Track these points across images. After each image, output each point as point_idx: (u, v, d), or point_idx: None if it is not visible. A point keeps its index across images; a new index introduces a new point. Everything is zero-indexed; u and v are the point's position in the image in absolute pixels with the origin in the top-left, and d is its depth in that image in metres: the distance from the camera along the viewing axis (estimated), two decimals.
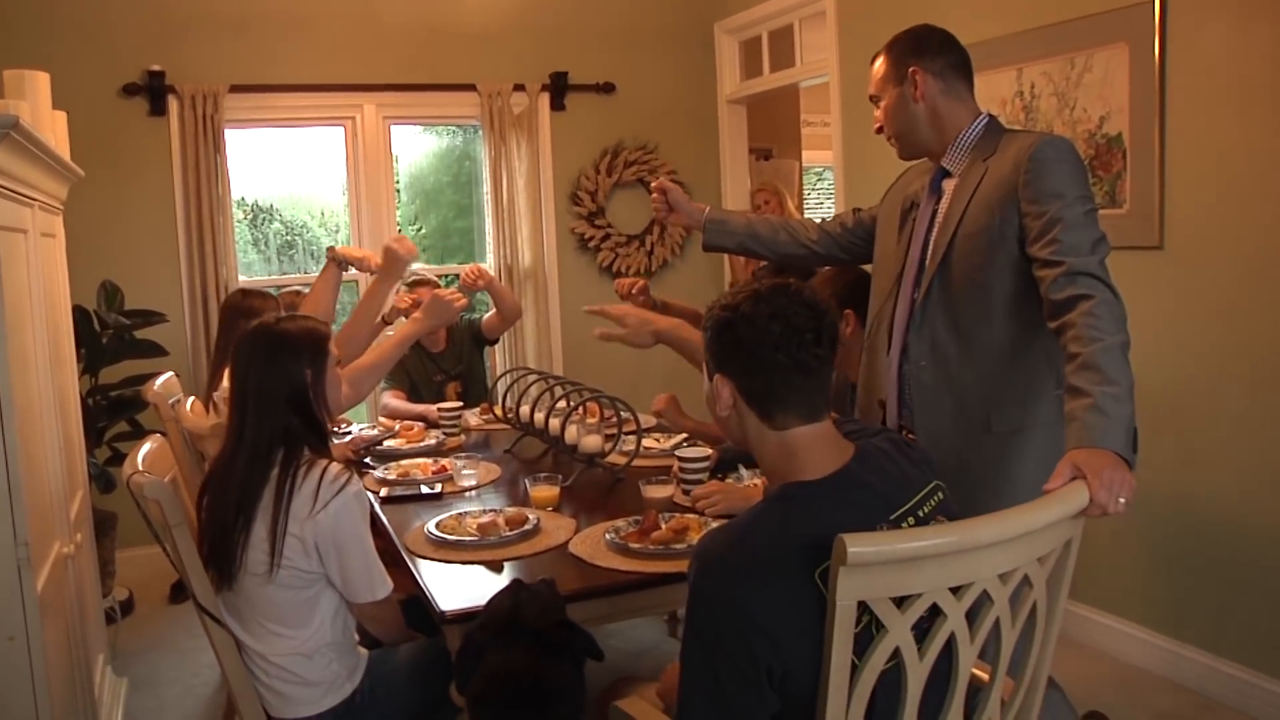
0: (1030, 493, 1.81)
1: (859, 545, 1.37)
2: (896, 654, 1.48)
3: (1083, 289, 2.04)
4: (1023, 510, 1.56)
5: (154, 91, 5.06)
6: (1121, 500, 1.72)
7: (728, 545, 1.56)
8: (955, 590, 1.49)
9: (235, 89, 5.17)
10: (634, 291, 3.79)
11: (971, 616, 1.53)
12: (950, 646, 1.52)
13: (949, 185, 2.40)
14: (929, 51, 2.39)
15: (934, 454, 2.11)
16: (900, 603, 1.45)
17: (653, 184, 2.87)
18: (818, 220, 2.87)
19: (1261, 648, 3.29)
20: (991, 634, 1.58)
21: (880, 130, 2.51)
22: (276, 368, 2.33)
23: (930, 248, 2.40)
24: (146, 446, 2.52)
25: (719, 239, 2.87)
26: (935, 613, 1.49)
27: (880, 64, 2.46)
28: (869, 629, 1.47)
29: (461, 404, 4.20)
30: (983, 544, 1.48)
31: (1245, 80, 3.20)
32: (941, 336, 2.35)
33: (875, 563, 1.39)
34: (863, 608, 1.44)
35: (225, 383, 3.44)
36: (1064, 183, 2.17)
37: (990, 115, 2.42)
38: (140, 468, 2.34)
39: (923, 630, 1.50)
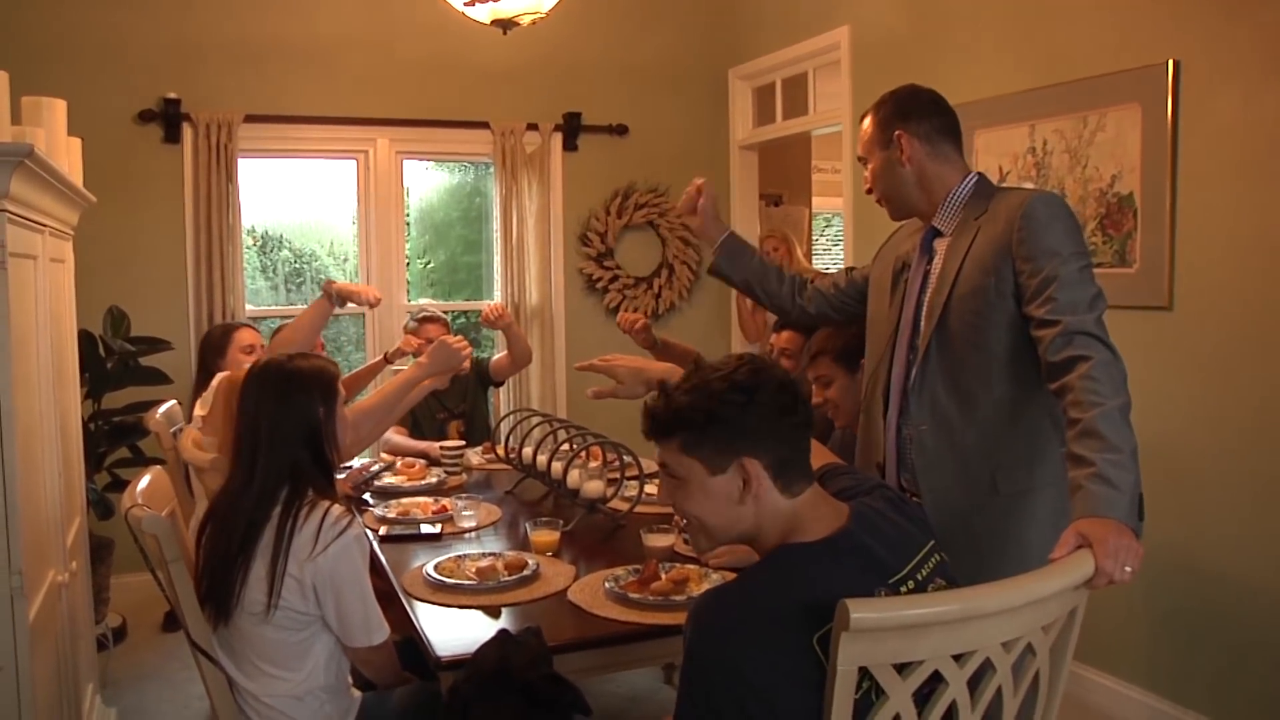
0: (1040, 555, 1.81)
1: (862, 611, 1.35)
2: None
3: (1080, 349, 2.02)
4: (1028, 579, 1.55)
5: (169, 119, 5.09)
6: (1128, 569, 1.70)
7: (724, 607, 1.56)
8: (958, 657, 1.47)
9: (250, 119, 5.19)
10: (635, 329, 3.78)
11: (974, 683, 1.51)
12: (951, 714, 1.50)
13: (940, 245, 2.38)
14: (914, 115, 2.37)
15: (939, 516, 2.12)
16: (902, 669, 1.44)
17: (697, 181, 2.83)
18: (817, 276, 2.87)
19: (1266, 713, 3.25)
20: (994, 702, 1.56)
21: (870, 191, 2.51)
22: (290, 406, 2.34)
23: (925, 309, 2.37)
24: (146, 479, 2.51)
25: (728, 268, 2.85)
26: (936, 679, 1.47)
27: (867, 126, 2.45)
28: (869, 695, 1.45)
29: (464, 442, 4.19)
30: (987, 612, 1.47)
31: (1256, 144, 3.20)
32: (942, 399, 2.31)
33: (878, 629, 1.38)
34: (863, 673, 1.42)
35: (199, 410, 3.45)
36: (1058, 239, 2.15)
37: (979, 174, 2.40)
38: (139, 500, 2.33)
39: (923, 696, 1.48)
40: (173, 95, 5.07)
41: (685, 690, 1.53)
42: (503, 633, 2.03)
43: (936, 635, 1.44)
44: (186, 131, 5.13)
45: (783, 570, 1.59)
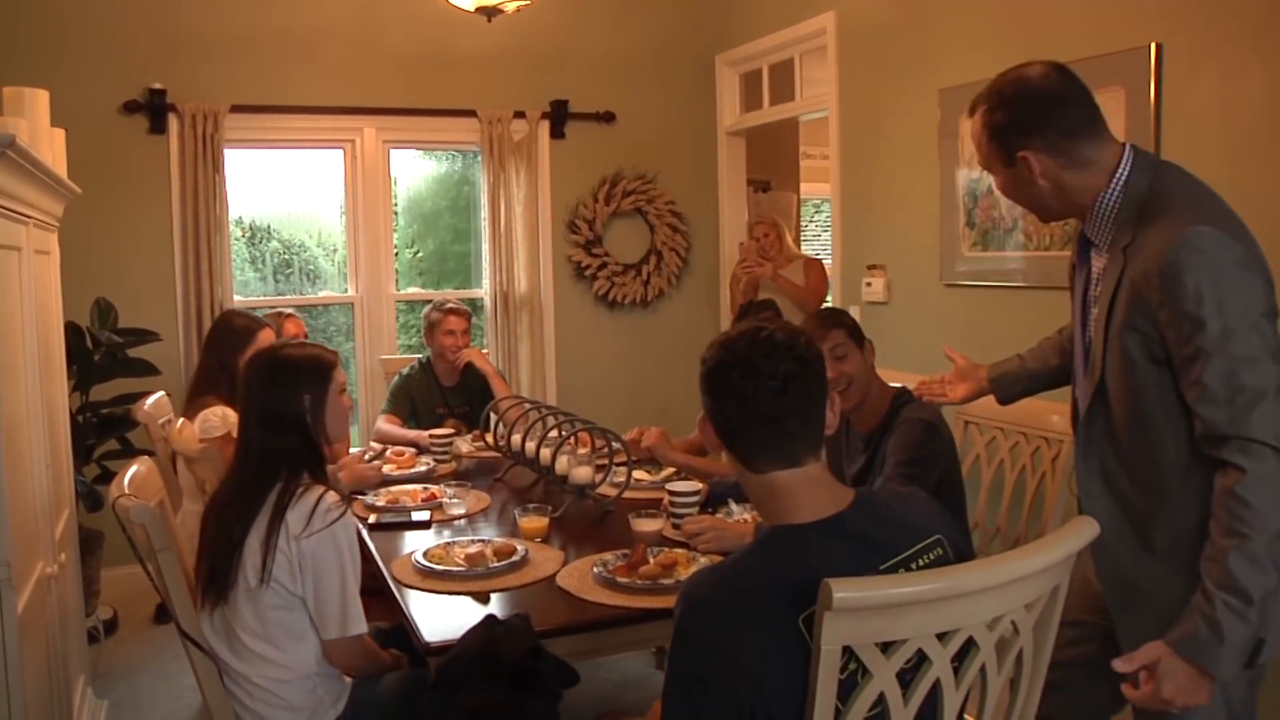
0: None
1: (845, 590, 1.36)
2: (881, 700, 1.47)
3: (1229, 455, 1.75)
4: (1010, 556, 1.56)
5: (154, 109, 5.06)
6: (1172, 704, 1.73)
7: (712, 586, 1.57)
8: (942, 636, 1.48)
9: (236, 109, 5.17)
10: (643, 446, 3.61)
11: (957, 661, 1.52)
12: (935, 693, 1.51)
13: (1097, 262, 2.03)
14: (1036, 127, 1.94)
15: (1107, 573, 2.00)
16: (886, 648, 1.45)
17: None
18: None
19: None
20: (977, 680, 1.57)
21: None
22: (277, 391, 2.38)
23: (1091, 346, 2.04)
24: (134, 469, 2.51)
25: (1007, 389, 2.53)
26: (921, 659, 1.48)
27: (979, 135, 2.04)
28: (854, 675, 1.46)
29: (454, 431, 4.19)
30: (970, 590, 1.47)
31: (1238, 125, 3.21)
32: (1109, 454, 2.02)
33: (861, 608, 1.39)
34: (848, 653, 1.43)
35: (217, 405, 3.46)
36: (1204, 304, 1.75)
37: (1129, 170, 1.94)
38: (127, 490, 2.33)
39: (908, 676, 1.49)
40: (158, 86, 5.04)
41: (673, 668, 1.54)
42: (490, 618, 2.05)
43: (919, 614, 1.44)
44: (172, 122, 5.11)
45: (771, 551, 1.60)
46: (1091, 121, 1.96)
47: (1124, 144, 1.97)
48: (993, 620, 1.53)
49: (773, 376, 1.60)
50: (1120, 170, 1.94)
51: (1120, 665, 1.78)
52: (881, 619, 1.42)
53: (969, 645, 1.52)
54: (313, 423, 2.39)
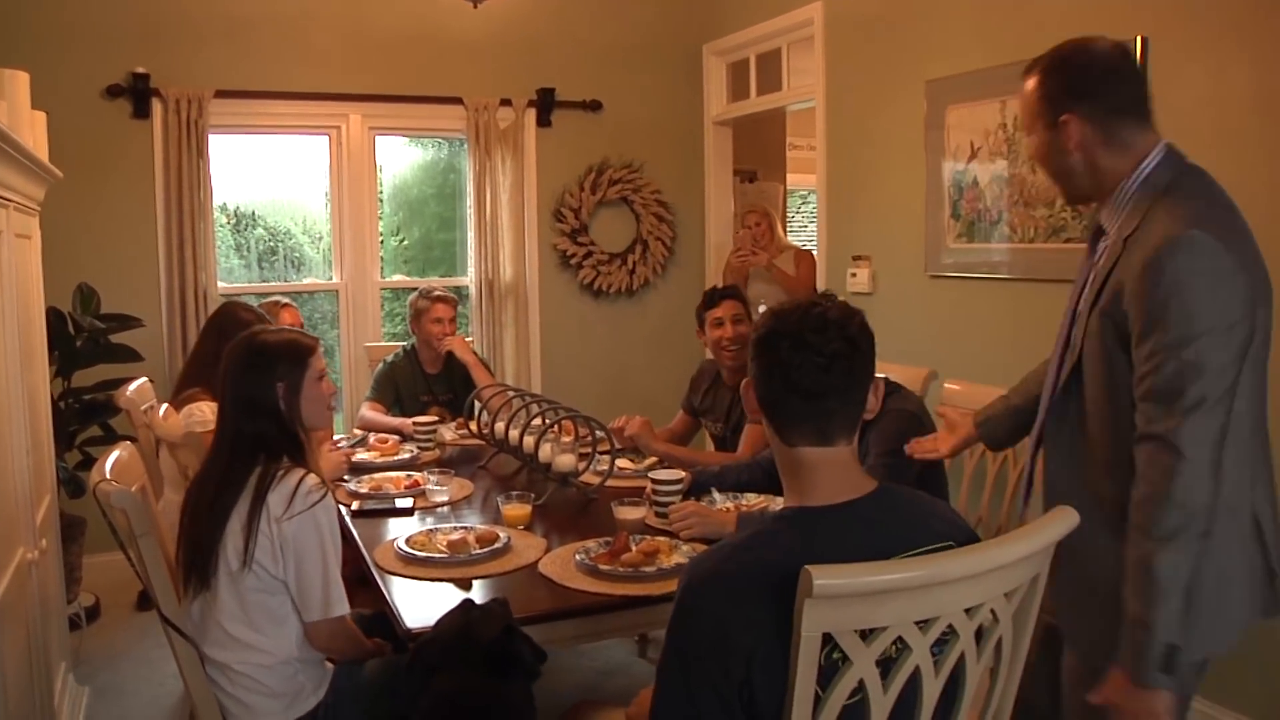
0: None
1: (825, 577, 1.36)
2: (861, 687, 1.47)
3: (1153, 452, 1.81)
4: (990, 545, 1.56)
5: (138, 94, 5.03)
6: None
7: (718, 561, 1.57)
8: (921, 624, 1.49)
9: (220, 94, 5.14)
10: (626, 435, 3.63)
11: (937, 650, 1.53)
12: (915, 680, 1.52)
13: (1101, 250, 2.03)
14: (1089, 94, 1.96)
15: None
16: (866, 635, 1.45)
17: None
18: None
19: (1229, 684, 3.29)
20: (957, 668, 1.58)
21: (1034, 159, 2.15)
22: (252, 377, 2.38)
23: (1074, 328, 2.05)
24: (115, 454, 2.50)
25: (993, 432, 2.52)
26: (901, 646, 1.49)
27: (1031, 91, 2.03)
28: (835, 662, 1.47)
29: (437, 419, 4.19)
30: (950, 579, 1.48)
31: (1223, 119, 3.23)
32: (1074, 436, 2.05)
33: (841, 595, 1.39)
34: (829, 640, 1.43)
35: (205, 400, 3.44)
36: (1172, 306, 1.79)
37: (1159, 157, 1.95)
38: (108, 476, 2.32)
39: (888, 664, 1.50)
40: (141, 70, 5.00)
41: (670, 641, 1.55)
42: (466, 602, 2.05)
43: (900, 601, 1.45)
44: (156, 107, 5.07)
45: (779, 533, 1.61)
46: (1139, 106, 1.98)
47: (1161, 140, 1.98)
48: (972, 608, 1.54)
49: (820, 352, 1.61)
50: (1148, 161, 1.94)
51: (1093, 698, 1.86)
52: (862, 606, 1.43)
53: (948, 633, 1.53)
54: (288, 409, 2.38)
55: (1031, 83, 2.03)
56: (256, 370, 2.38)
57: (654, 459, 3.55)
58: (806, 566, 1.37)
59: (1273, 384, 1.99)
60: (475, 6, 4.01)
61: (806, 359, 1.61)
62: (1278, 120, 3.13)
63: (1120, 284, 1.88)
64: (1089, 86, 1.96)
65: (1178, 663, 1.80)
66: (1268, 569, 1.94)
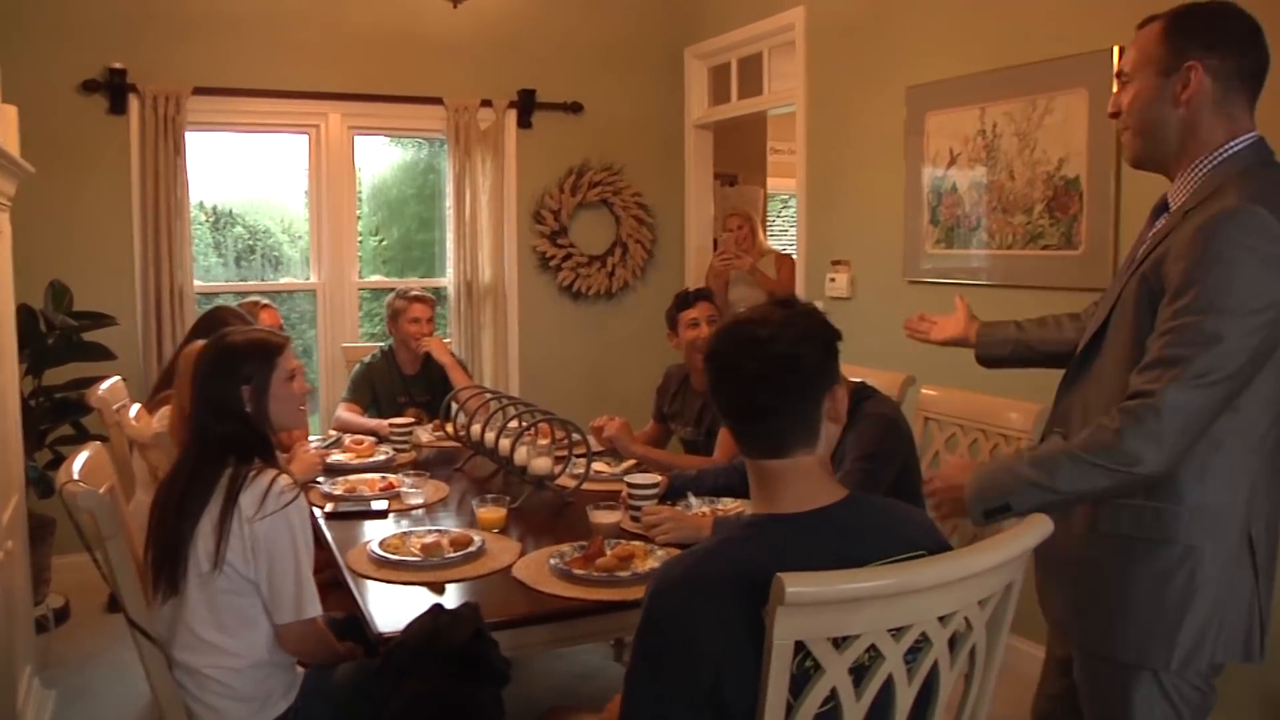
0: (1144, 614, 1.88)
1: (797, 585, 1.35)
2: (834, 695, 1.46)
3: (1135, 404, 1.78)
4: (964, 553, 1.56)
5: (114, 89, 4.98)
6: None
7: (687, 568, 1.56)
8: (894, 632, 1.48)
9: (199, 91, 5.10)
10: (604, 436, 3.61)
11: (910, 657, 1.52)
12: (888, 688, 1.51)
13: (1159, 223, 1.96)
14: (1223, 46, 1.85)
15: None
16: (838, 643, 1.44)
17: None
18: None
19: None
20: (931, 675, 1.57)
21: (1115, 115, 2.01)
22: (217, 379, 2.36)
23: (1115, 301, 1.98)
24: (84, 455, 2.46)
25: (989, 348, 2.48)
26: (874, 654, 1.48)
27: (1154, 34, 1.91)
28: (808, 670, 1.46)
29: (414, 420, 4.16)
30: (923, 586, 1.47)
31: None
32: (1076, 410, 2.03)
33: (813, 603, 1.38)
34: (801, 648, 1.42)
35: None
36: (1210, 274, 1.74)
37: (1244, 145, 1.88)
38: (76, 476, 2.29)
39: (861, 671, 1.49)
40: (118, 65, 4.96)
41: (639, 646, 1.54)
42: (436, 606, 2.04)
43: (872, 609, 1.44)
44: (133, 103, 5.03)
45: (747, 540, 1.59)
46: (1258, 82, 1.90)
47: (1255, 130, 1.90)
48: (945, 616, 1.53)
49: (749, 375, 1.59)
50: (1236, 141, 1.87)
51: (927, 487, 2.02)
52: (834, 614, 1.42)
53: (922, 641, 1.52)
54: (256, 411, 2.36)
55: (1156, 26, 1.91)
56: (222, 372, 2.37)
57: (631, 462, 3.53)
58: (779, 574, 1.36)
59: None
60: (455, 6, 3.99)
61: (735, 381, 1.61)
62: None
63: (1166, 250, 1.83)
64: (1227, 39, 1.86)
65: (998, 520, 1.89)
66: (1256, 603, 1.89)
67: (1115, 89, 2.00)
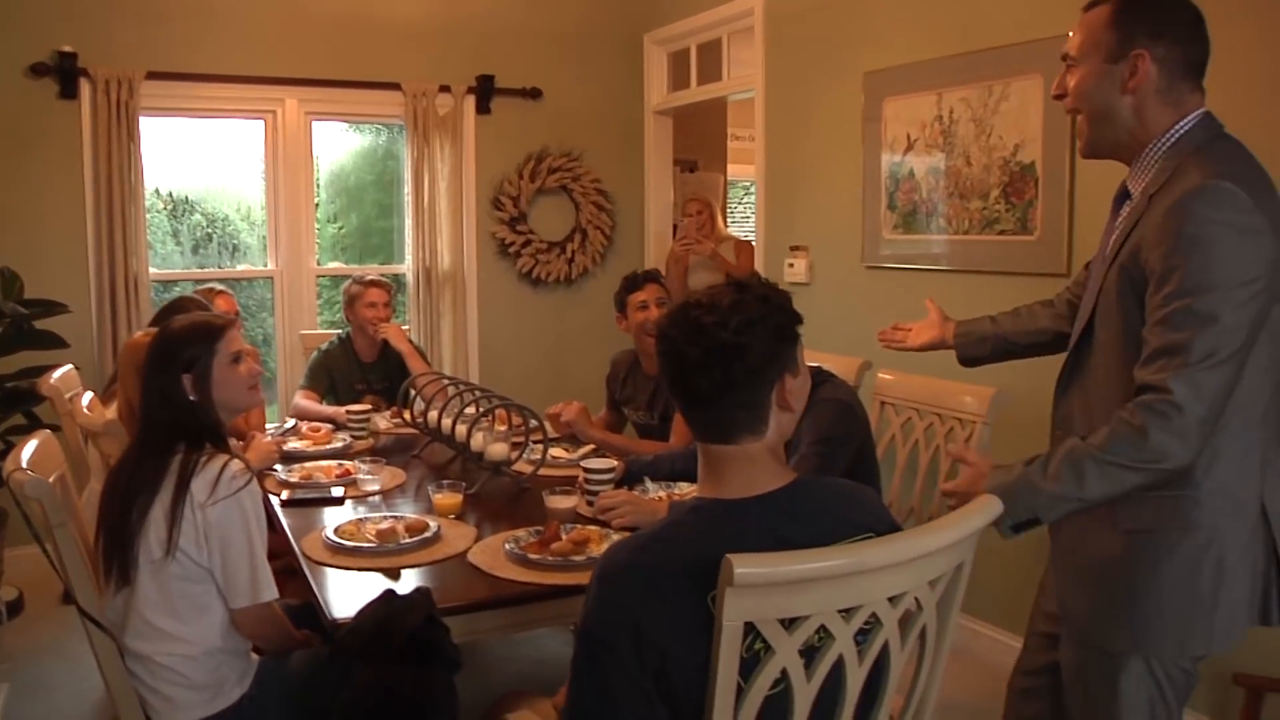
0: (1177, 599, 1.86)
1: (746, 566, 1.36)
2: (784, 676, 1.47)
3: (1149, 397, 1.77)
4: (913, 534, 1.57)
5: (64, 73, 4.90)
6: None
7: (631, 552, 1.56)
8: (844, 613, 1.48)
9: (152, 75, 5.02)
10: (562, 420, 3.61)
11: (860, 638, 1.53)
12: (839, 670, 1.51)
13: (1124, 211, 1.97)
14: (1169, 36, 1.88)
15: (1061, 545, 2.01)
16: (788, 625, 1.45)
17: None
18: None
19: None
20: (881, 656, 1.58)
21: (1060, 98, 2.03)
22: (159, 368, 2.35)
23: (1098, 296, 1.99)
24: (32, 443, 2.43)
25: (968, 348, 2.50)
26: (824, 635, 1.49)
27: (1101, 19, 1.93)
28: (757, 653, 1.46)
29: (371, 407, 4.14)
30: (873, 567, 1.48)
31: None
32: (1076, 409, 2.04)
33: (762, 584, 1.39)
34: (751, 631, 1.43)
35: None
36: (1192, 254, 1.75)
37: (1197, 119, 1.90)
38: (24, 465, 2.26)
39: (812, 652, 1.49)
40: (68, 49, 4.88)
41: (582, 631, 1.54)
42: (388, 592, 2.03)
43: (822, 590, 1.44)
44: (84, 87, 4.95)
45: (689, 524, 1.59)
46: (1203, 67, 1.92)
47: (1204, 107, 1.93)
48: (895, 597, 1.54)
49: (693, 361, 1.57)
50: (1185, 122, 1.89)
51: (945, 488, 1.96)
52: (783, 595, 1.42)
53: (872, 622, 1.53)
54: (200, 396, 2.34)
55: (1103, 11, 1.93)
56: (163, 361, 2.35)
57: (589, 448, 3.53)
58: (728, 555, 1.36)
59: None
60: None
61: (681, 366, 1.59)
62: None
63: (1140, 238, 1.84)
64: (1174, 31, 1.89)
65: (1024, 530, 1.87)
66: (1273, 571, 1.91)
67: (1065, 77, 2.01)
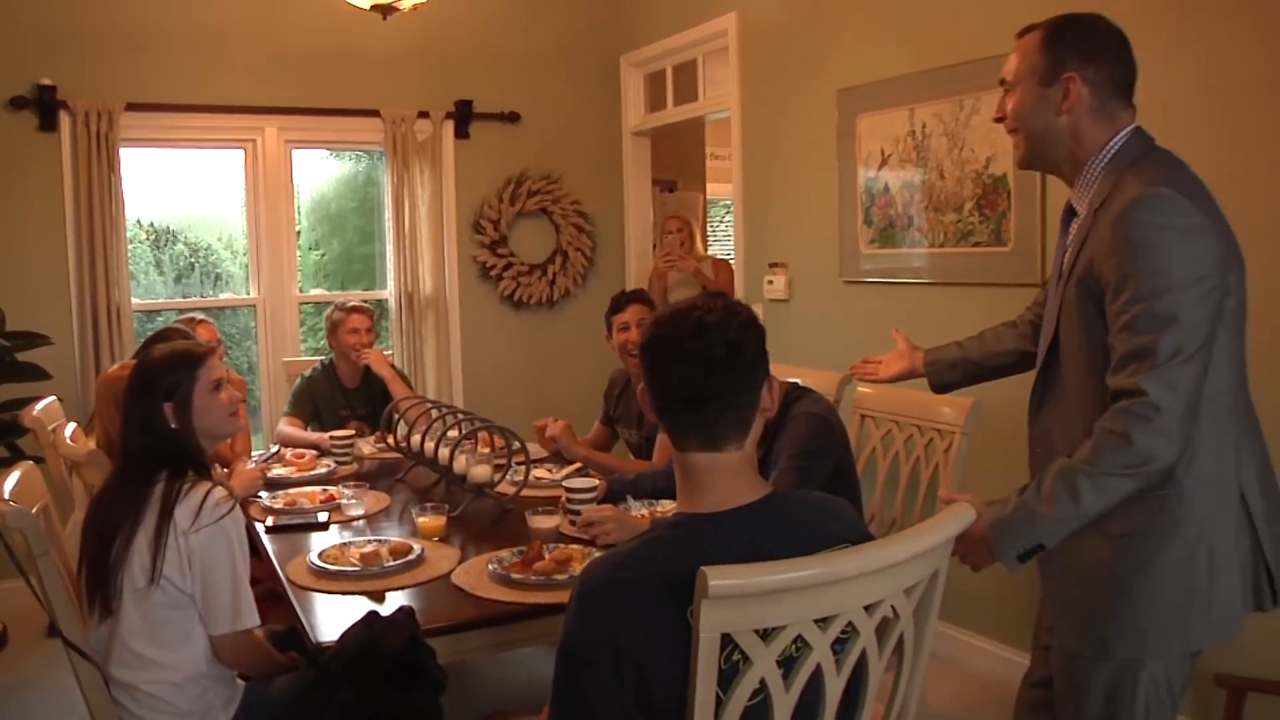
0: (1164, 601, 1.90)
1: (720, 578, 1.37)
2: (763, 687, 1.48)
3: (1124, 404, 1.82)
4: (887, 542, 1.58)
5: (44, 106, 4.91)
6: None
7: (610, 568, 1.57)
8: (821, 622, 1.50)
9: (132, 107, 5.04)
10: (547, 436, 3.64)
11: (838, 647, 1.54)
12: (817, 679, 1.53)
13: (1073, 229, 2.05)
14: (1099, 59, 1.98)
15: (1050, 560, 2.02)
16: (765, 636, 1.46)
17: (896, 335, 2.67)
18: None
19: None
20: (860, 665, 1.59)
21: (1000, 120, 2.14)
22: (140, 399, 2.37)
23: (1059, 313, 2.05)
24: (14, 475, 2.44)
25: (939, 374, 2.57)
26: (801, 644, 1.50)
27: (1034, 45, 2.02)
28: (736, 665, 1.47)
29: (355, 432, 4.15)
30: (846, 576, 1.49)
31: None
32: (1052, 426, 2.09)
33: (737, 595, 1.40)
34: (729, 643, 1.44)
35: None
36: (1141, 260, 1.82)
37: (1125, 139, 1.99)
38: (6, 496, 2.26)
39: (790, 662, 1.51)
40: (47, 81, 4.89)
41: (563, 647, 1.55)
42: (371, 614, 2.04)
43: (797, 600, 1.46)
44: (64, 120, 4.96)
45: (668, 540, 1.60)
46: (1132, 85, 2.02)
47: (1135, 122, 2.02)
48: (871, 605, 1.55)
49: (698, 359, 1.60)
50: (1118, 138, 1.98)
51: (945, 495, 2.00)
52: (759, 605, 1.43)
53: (850, 631, 1.54)
54: (181, 424, 2.36)
55: (1035, 37, 2.03)
56: (144, 391, 2.37)
57: (573, 468, 3.55)
58: (703, 568, 1.37)
59: (1263, 368, 2.03)
60: (385, 18, 3.98)
61: (685, 366, 1.61)
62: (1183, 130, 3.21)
63: (1093, 252, 1.91)
64: (1101, 53, 1.98)
65: (1029, 558, 1.91)
66: (1260, 557, 1.95)
67: (1004, 99, 2.10)
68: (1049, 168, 2.11)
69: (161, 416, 2.34)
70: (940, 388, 2.58)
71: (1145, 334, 1.80)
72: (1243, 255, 1.96)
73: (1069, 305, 2.00)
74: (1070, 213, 2.08)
